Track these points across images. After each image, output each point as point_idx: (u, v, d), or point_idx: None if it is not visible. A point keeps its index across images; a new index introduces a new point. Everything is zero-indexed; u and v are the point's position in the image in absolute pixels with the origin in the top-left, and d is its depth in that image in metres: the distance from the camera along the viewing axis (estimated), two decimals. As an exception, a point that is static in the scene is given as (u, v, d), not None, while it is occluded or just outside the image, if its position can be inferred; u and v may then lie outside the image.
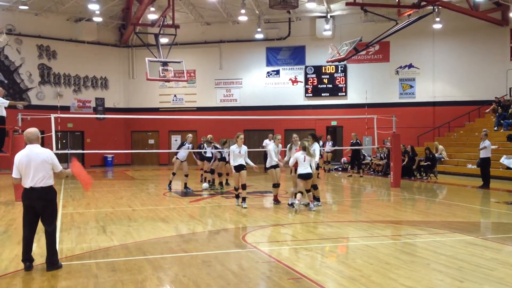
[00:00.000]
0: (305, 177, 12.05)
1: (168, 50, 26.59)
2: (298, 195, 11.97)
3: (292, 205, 12.40)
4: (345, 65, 31.37)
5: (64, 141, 31.30)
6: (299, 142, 12.75)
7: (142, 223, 10.73)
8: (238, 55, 33.22)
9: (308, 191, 12.39)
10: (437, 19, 27.24)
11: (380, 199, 15.59)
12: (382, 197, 16.13)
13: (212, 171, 18.06)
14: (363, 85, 31.11)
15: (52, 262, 6.89)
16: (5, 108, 14.64)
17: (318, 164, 13.44)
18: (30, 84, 30.65)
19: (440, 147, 24.49)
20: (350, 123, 29.45)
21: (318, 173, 14.44)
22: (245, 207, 12.67)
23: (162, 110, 32.66)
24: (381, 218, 11.19)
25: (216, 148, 18.17)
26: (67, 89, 32.04)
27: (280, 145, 13.75)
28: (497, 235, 9.34)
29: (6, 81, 29.52)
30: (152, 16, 28.02)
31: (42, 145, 7.25)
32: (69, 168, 7.70)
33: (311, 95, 32.33)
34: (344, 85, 31.88)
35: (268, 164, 13.53)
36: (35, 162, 6.84)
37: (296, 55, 32.66)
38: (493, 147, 19.43)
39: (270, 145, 13.83)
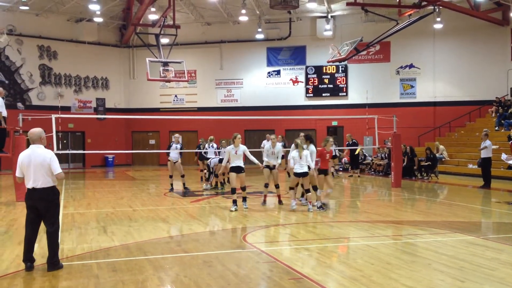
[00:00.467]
0: (300, 175, 12.09)
1: (169, 50, 26.59)
2: (291, 193, 12.43)
3: (322, 207, 12.20)
4: (345, 65, 31.36)
5: (65, 141, 31.32)
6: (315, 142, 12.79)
7: (143, 223, 10.73)
8: (238, 55, 33.22)
9: (307, 191, 12.37)
10: (438, 19, 27.23)
11: (381, 199, 15.58)
12: (383, 197, 16.12)
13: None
14: (363, 85, 31.10)
15: (53, 262, 6.89)
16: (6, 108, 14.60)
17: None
18: (31, 85, 30.67)
19: (441, 147, 24.48)
20: (351, 123, 29.44)
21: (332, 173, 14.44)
22: (246, 208, 12.54)
23: (162, 110, 32.66)
24: (382, 218, 11.18)
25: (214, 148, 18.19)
26: (67, 89, 32.07)
27: (279, 145, 13.57)
28: (498, 235, 9.33)
29: (7, 82, 29.54)
30: (152, 17, 28.02)
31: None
32: None
33: (311, 95, 32.32)
34: (345, 85, 31.88)
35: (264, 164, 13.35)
36: (35, 163, 6.85)
37: (297, 55, 32.65)
38: (494, 147, 19.41)
39: (266, 145, 13.74)
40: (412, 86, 31.03)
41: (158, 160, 33.51)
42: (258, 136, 31.45)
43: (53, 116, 15.64)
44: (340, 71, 31.87)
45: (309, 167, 12.10)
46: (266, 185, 13.42)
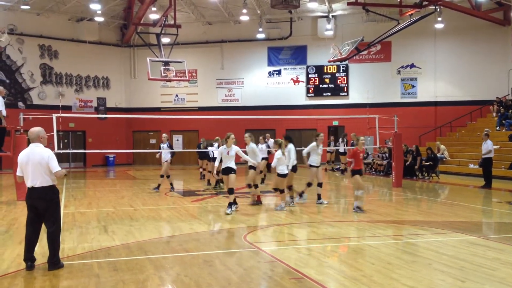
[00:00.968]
0: (285, 176, 12.29)
1: (170, 50, 26.61)
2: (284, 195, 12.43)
3: (359, 208, 11.87)
4: (346, 65, 31.35)
5: (66, 140, 31.31)
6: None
7: (144, 223, 10.74)
8: (239, 55, 33.21)
9: (282, 191, 12.41)
10: (439, 19, 27.20)
11: (381, 199, 15.57)
12: (383, 197, 16.10)
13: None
14: (364, 85, 31.08)
15: (54, 261, 6.89)
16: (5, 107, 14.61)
17: (295, 165, 13.15)
18: (31, 84, 30.69)
19: (442, 147, 24.47)
20: (352, 123, 29.41)
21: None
22: (228, 213, 11.68)
23: (163, 110, 32.67)
24: (382, 218, 11.17)
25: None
26: (68, 88, 32.08)
27: (262, 145, 13.50)
28: (499, 235, 9.32)
29: (8, 81, 29.55)
30: (153, 16, 28.03)
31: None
32: None
33: (312, 95, 32.32)
34: (346, 85, 31.86)
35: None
36: (33, 162, 6.86)
37: (298, 55, 32.65)
38: (495, 147, 19.40)
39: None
40: (413, 86, 31.02)
41: (159, 160, 33.45)
42: (259, 136, 31.49)
43: (54, 116, 15.65)
44: (341, 71, 31.86)
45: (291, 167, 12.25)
46: (249, 186, 13.41)
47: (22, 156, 6.99)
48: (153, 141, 33.95)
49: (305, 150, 13.72)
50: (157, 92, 33.52)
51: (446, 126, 29.32)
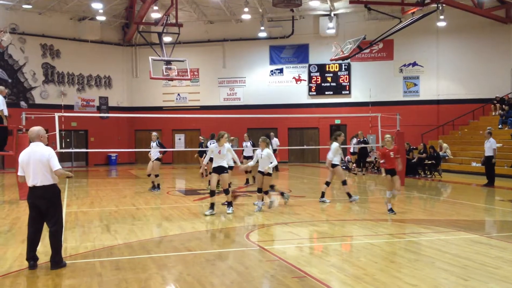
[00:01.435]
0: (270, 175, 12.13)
1: (172, 49, 26.61)
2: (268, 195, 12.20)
3: (391, 210, 11.45)
4: (348, 64, 31.31)
5: (68, 140, 31.36)
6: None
7: (146, 222, 10.74)
8: (241, 54, 33.20)
9: (260, 190, 12.13)
10: (441, 17, 27.17)
11: (384, 198, 15.53)
12: (385, 196, 16.05)
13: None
14: (367, 84, 31.05)
15: (56, 261, 6.89)
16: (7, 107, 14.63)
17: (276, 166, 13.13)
18: (33, 83, 30.71)
19: (445, 145, 24.44)
20: (354, 122, 29.39)
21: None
22: (229, 213, 11.57)
23: (165, 109, 32.70)
24: (385, 217, 11.15)
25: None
26: (70, 88, 32.11)
27: (227, 145, 12.72)
28: (502, 234, 9.30)
29: (10, 80, 29.59)
30: (155, 15, 28.05)
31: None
32: None
33: (314, 93, 32.29)
34: (348, 84, 31.83)
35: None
36: (33, 161, 6.86)
37: (300, 54, 32.62)
38: (498, 145, 19.37)
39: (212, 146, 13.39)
40: (415, 84, 30.97)
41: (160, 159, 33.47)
42: (261, 135, 31.41)
43: (56, 115, 15.65)
44: (343, 69, 31.82)
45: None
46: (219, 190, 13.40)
47: (23, 155, 6.99)
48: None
49: (331, 154, 13.46)
50: (159, 91, 33.53)
51: (448, 125, 29.27)
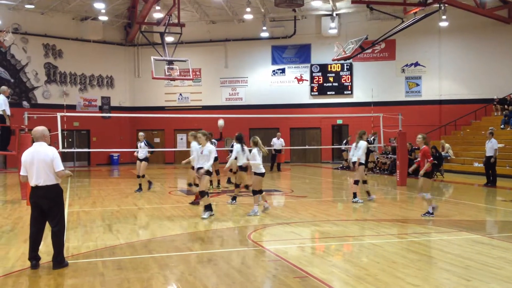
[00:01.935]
0: (263, 175, 11.62)
1: (174, 48, 26.61)
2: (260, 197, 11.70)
3: (428, 213, 10.89)
4: (350, 64, 31.28)
5: (70, 139, 31.40)
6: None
7: (148, 222, 10.75)
8: (243, 54, 33.19)
9: (256, 192, 11.55)
10: (443, 17, 27.13)
11: (386, 198, 15.53)
12: (388, 195, 16.06)
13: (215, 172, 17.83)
14: (369, 84, 31.02)
15: (58, 260, 6.90)
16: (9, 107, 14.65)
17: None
18: (36, 83, 30.75)
19: (447, 145, 24.40)
20: (356, 122, 29.36)
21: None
22: (204, 218, 10.97)
23: (167, 109, 32.71)
24: (387, 217, 11.15)
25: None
26: (73, 88, 32.14)
27: (209, 145, 12.39)
28: (504, 234, 9.28)
29: (12, 80, 29.63)
30: (157, 15, 28.06)
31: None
32: None
33: (316, 93, 32.27)
34: (350, 84, 31.80)
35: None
36: (37, 160, 6.86)
37: (302, 54, 32.60)
38: (500, 145, 19.34)
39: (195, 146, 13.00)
40: (417, 84, 30.94)
41: (163, 159, 33.55)
42: (263, 135, 31.44)
43: (59, 115, 15.65)
44: (345, 69, 31.79)
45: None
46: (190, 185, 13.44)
47: (26, 155, 6.99)
48: (157, 140, 33.98)
49: (361, 153, 13.56)
50: (161, 91, 33.55)
51: (450, 125, 29.22)
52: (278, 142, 25.26)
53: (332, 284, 6.14)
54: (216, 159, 16.72)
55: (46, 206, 6.88)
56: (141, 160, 16.32)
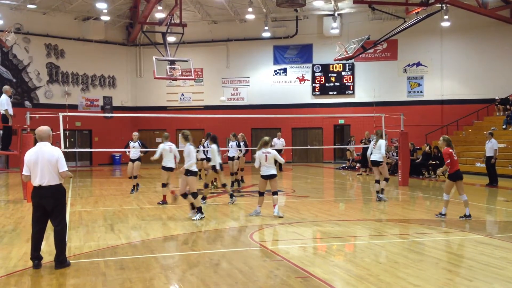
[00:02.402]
0: (268, 178, 11.13)
1: (176, 48, 26.61)
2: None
3: (469, 215, 10.61)
4: (352, 64, 31.27)
5: (72, 139, 31.43)
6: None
7: (150, 221, 10.75)
8: (245, 54, 33.20)
9: (275, 193, 11.18)
10: (446, 17, 27.09)
11: (388, 198, 15.51)
12: (390, 195, 16.04)
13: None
14: (371, 84, 31.00)
15: (60, 260, 6.91)
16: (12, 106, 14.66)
17: (221, 164, 13.15)
18: (38, 83, 30.79)
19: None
20: (358, 122, 29.35)
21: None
22: (194, 219, 10.77)
23: (169, 109, 32.73)
24: (389, 217, 11.14)
25: (239, 145, 18.01)
26: (75, 87, 32.17)
27: (189, 146, 12.24)
28: (506, 234, 9.26)
29: (14, 80, 29.67)
30: (159, 15, 28.06)
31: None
32: None
33: (318, 93, 32.26)
34: (352, 84, 31.79)
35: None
36: (42, 160, 6.86)
37: (304, 54, 32.60)
38: (502, 145, 19.31)
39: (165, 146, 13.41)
40: (419, 85, 30.92)
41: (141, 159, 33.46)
42: (265, 135, 31.36)
43: (61, 115, 15.68)
44: (347, 69, 31.79)
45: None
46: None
47: (30, 154, 6.96)
48: (159, 139, 33.98)
49: (383, 151, 13.76)
50: (163, 91, 33.57)
51: (452, 125, 29.19)
52: (279, 142, 25.25)
53: (334, 284, 6.14)
54: (208, 159, 16.68)
55: (50, 206, 6.88)
56: (133, 161, 16.01)
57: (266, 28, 31.33)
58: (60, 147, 13.09)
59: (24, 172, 7.07)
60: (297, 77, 32.71)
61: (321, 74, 32.25)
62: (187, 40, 30.53)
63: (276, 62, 33.01)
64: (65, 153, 7.28)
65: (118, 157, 32.78)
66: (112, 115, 31.84)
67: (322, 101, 32.03)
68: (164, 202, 13.42)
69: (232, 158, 17.77)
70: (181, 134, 11.54)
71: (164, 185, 13.51)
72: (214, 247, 8.43)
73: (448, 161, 10.91)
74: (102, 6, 27.42)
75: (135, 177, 16.24)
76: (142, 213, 12.01)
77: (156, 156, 13.34)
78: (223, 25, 33.24)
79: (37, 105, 29.87)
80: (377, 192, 13.80)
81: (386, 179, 13.90)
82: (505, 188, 16.98)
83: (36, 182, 6.88)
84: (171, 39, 28.38)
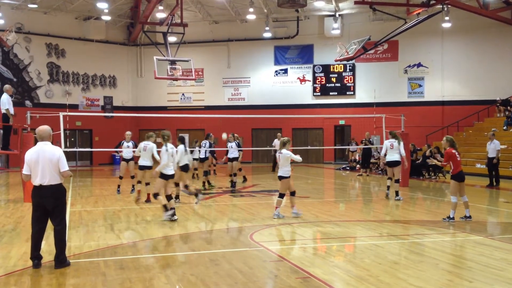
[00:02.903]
0: (278, 179, 11.19)
1: (176, 48, 26.63)
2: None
3: (469, 216, 10.59)
4: (353, 64, 31.28)
5: (72, 139, 31.43)
6: None
7: (150, 221, 10.74)
8: (246, 54, 33.21)
9: (282, 195, 11.19)
10: (446, 18, 27.08)
11: (388, 199, 15.50)
12: (390, 196, 16.03)
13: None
14: (371, 84, 30.99)
15: (60, 260, 6.90)
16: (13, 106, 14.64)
17: (188, 164, 13.47)
18: (39, 83, 30.80)
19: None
20: (358, 122, 29.35)
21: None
22: (172, 219, 10.64)
23: (170, 109, 32.73)
24: (389, 218, 11.14)
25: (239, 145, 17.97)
26: (75, 87, 32.19)
27: (182, 147, 12.65)
28: (506, 235, 9.26)
29: (15, 79, 29.68)
30: (160, 15, 28.08)
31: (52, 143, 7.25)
32: None
33: (319, 94, 32.27)
34: (353, 84, 31.80)
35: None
36: (43, 159, 6.85)
37: (304, 54, 32.61)
38: (502, 146, 19.30)
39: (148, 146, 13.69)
40: (420, 85, 30.91)
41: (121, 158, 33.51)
42: (266, 135, 31.52)
43: (61, 114, 15.69)
44: (348, 70, 31.79)
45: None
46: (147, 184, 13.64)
47: (31, 154, 6.95)
48: (159, 140, 33.97)
49: (402, 150, 14.01)
50: (164, 91, 33.58)
51: (453, 126, 29.17)
52: (278, 143, 25.27)
53: (334, 285, 6.14)
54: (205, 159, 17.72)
55: (51, 205, 6.88)
56: (127, 161, 15.82)
57: (267, 28, 31.34)
58: (60, 146, 13.08)
59: (24, 172, 7.06)
60: (298, 78, 32.72)
61: (322, 74, 32.26)
62: (188, 40, 30.54)
63: (277, 62, 33.02)
64: (65, 153, 7.27)
65: (119, 157, 32.71)
66: (112, 115, 31.85)
67: (322, 101, 32.03)
68: (147, 200, 13.66)
69: (232, 159, 17.57)
70: (162, 134, 11.52)
71: (147, 184, 13.79)
72: (214, 247, 8.43)
73: (446, 163, 10.94)
74: (103, 5, 27.44)
75: (132, 177, 16.05)
76: (142, 213, 12.01)
77: (136, 153, 13.99)
78: (224, 25, 33.25)
79: (37, 105, 29.88)
80: (396, 192, 13.90)
81: (397, 181, 13.98)
82: (505, 189, 16.97)
83: (36, 181, 6.88)
84: (172, 39, 28.40)
